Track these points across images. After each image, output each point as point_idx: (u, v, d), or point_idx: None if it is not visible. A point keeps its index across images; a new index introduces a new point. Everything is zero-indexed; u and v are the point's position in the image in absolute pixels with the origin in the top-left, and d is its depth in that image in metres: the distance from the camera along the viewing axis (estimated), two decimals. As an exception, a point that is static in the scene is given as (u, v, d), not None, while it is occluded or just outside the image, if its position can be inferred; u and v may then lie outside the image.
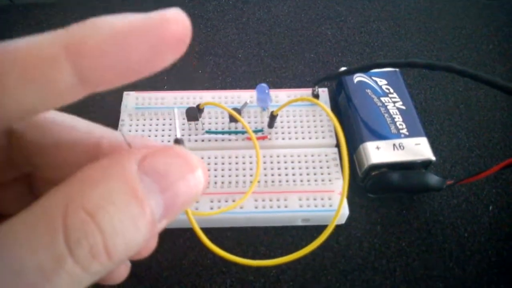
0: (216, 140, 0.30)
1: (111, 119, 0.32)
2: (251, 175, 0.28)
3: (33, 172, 0.15)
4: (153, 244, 0.16)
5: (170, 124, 0.30)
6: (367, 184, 0.28)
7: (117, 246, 0.10)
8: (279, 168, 0.28)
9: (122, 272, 0.16)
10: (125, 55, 0.10)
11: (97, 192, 0.10)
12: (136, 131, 0.30)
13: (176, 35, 0.11)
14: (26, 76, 0.09)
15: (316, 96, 0.32)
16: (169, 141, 0.30)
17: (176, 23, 0.10)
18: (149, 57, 0.10)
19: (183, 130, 0.30)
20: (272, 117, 0.29)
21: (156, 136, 0.30)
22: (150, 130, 0.30)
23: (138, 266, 0.26)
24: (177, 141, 0.13)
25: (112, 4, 0.42)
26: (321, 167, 0.28)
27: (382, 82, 0.31)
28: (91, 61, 0.10)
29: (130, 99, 0.32)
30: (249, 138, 0.30)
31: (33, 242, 0.09)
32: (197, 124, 0.30)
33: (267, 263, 0.15)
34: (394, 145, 0.27)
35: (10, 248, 0.09)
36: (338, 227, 0.28)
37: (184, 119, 0.30)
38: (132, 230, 0.10)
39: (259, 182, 0.28)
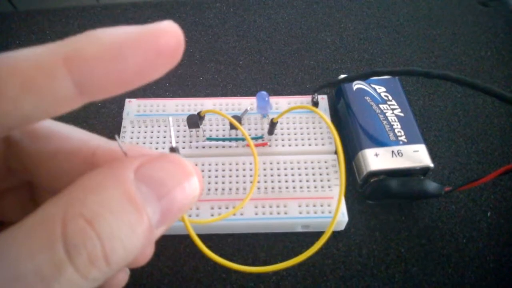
0: (217, 147, 0.30)
1: (113, 126, 0.33)
2: (251, 182, 0.28)
3: (32, 180, 0.15)
4: (150, 251, 0.16)
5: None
6: (366, 191, 0.28)
7: (116, 253, 0.10)
8: (279, 175, 0.29)
9: (121, 279, 0.16)
10: (121, 64, 0.10)
11: (95, 200, 0.10)
12: (138, 138, 0.31)
13: (169, 45, 0.11)
14: (25, 85, 0.10)
15: (316, 103, 0.32)
16: (170, 148, 0.30)
17: (169, 34, 0.11)
18: (144, 66, 0.11)
19: (184, 137, 0.30)
20: (272, 124, 0.29)
21: (157, 143, 0.30)
22: (151, 137, 0.31)
23: (139, 273, 0.26)
24: (173, 150, 0.13)
25: (113, 12, 0.42)
26: (320, 174, 0.29)
27: (381, 89, 0.31)
28: (89, 70, 0.10)
29: (132, 106, 0.32)
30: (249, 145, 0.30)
31: (32, 249, 0.09)
32: (198, 131, 0.30)
33: (265, 270, 0.16)
34: (392, 152, 0.28)
35: (9, 254, 0.09)
36: (337, 233, 0.28)
37: (185, 125, 0.30)
38: (130, 237, 0.11)
39: (258, 188, 0.28)
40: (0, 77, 0.09)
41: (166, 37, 0.11)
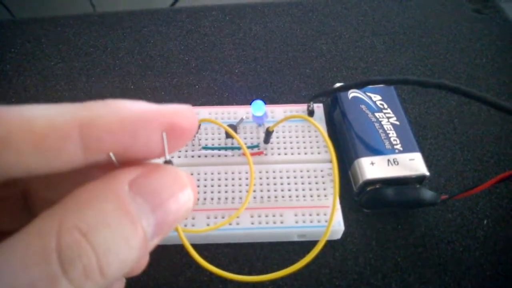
0: (212, 156, 0.30)
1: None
2: (247, 191, 0.28)
3: (26, 188, 0.15)
4: (144, 261, 0.16)
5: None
6: (362, 200, 0.28)
7: (111, 265, 0.10)
8: (275, 184, 0.28)
9: None
10: (132, 139, 0.11)
11: (90, 212, 0.10)
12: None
13: (183, 127, 0.12)
14: (33, 141, 0.10)
15: (312, 112, 0.32)
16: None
17: (184, 116, 0.12)
18: (152, 144, 0.11)
19: (179, 146, 0.30)
20: (268, 133, 0.29)
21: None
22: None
23: (134, 284, 0.26)
24: (167, 162, 0.13)
25: (109, 20, 0.42)
26: (316, 183, 0.29)
27: (377, 97, 0.31)
28: (101, 139, 0.11)
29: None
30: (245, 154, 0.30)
31: (27, 262, 0.09)
32: (193, 140, 0.30)
33: (261, 278, 0.16)
34: (388, 160, 0.28)
35: (4, 267, 0.09)
36: (334, 242, 0.28)
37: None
38: (125, 249, 0.11)
39: (254, 198, 0.28)
40: (11, 129, 0.10)
41: (181, 118, 0.12)
